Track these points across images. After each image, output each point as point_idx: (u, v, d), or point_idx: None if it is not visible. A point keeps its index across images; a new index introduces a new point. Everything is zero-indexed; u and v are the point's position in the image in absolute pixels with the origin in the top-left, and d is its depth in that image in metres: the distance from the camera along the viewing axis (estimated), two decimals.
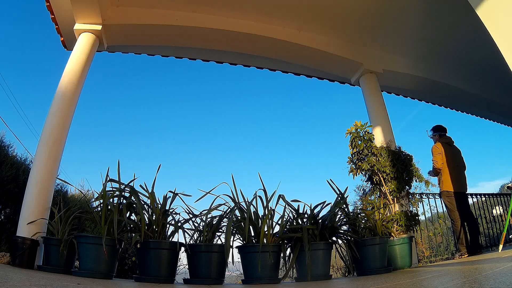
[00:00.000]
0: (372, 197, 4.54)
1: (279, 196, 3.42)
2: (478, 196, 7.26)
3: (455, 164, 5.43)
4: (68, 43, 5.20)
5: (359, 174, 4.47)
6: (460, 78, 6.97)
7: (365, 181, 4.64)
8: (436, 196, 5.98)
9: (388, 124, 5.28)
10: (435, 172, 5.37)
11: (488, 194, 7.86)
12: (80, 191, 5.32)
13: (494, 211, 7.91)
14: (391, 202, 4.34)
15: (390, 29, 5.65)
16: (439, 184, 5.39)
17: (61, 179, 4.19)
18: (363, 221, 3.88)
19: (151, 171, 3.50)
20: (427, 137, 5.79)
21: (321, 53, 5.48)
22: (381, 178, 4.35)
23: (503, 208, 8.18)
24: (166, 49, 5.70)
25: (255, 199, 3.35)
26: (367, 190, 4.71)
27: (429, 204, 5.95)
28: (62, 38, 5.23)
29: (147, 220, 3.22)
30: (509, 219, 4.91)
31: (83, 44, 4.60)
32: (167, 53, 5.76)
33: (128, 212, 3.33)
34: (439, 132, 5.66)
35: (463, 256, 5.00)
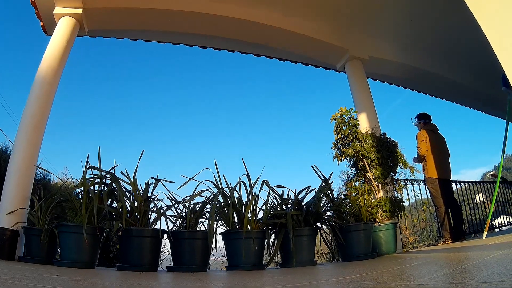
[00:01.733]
0: (357, 183, 4.52)
1: (263, 181, 3.36)
2: (461, 184, 7.33)
3: (440, 151, 5.46)
4: (48, 28, 5.02)
5: (343, 160, 4.43)
6: (446, 67, 6.98)
7: (350, 167, 4.61)
8: (421, 183, 6.02)
9: (373, 111, 5.25)
10: (419, 158, 5.40)
11: (471, 182, 7.97)
12: (60, 179, 5.19)
13: (476, 198, 8.03)
14: (376, 188, 4.33)
15: (378, 16, 5.58)
16: (423, 170, 5.42)
17: (41, 167, 4.06)
18: (347, 207, 3.86)
19: (136, 159, 3.42)
20: (412, 125, 5.80)
21: (306, 38, 5.40)
22: (366, 164, 4.33)
23: (485, 195, 8.31)
24: (148, 34, 5.54)
25: (238, 184, 3.30)
26: (351, 176, 4.69)
27: (414, 191, 5.99)
28: (42, 23, 5.05)
29: (128, 207, 3.15)
30: (493, 207, 4.95)
31: (63, 28, 4.48)
32: (150, 37, 5.61)
33: (110, 200, 3.25)
34: (423, 120, 5.67)
35: (447, 242, 5.05)
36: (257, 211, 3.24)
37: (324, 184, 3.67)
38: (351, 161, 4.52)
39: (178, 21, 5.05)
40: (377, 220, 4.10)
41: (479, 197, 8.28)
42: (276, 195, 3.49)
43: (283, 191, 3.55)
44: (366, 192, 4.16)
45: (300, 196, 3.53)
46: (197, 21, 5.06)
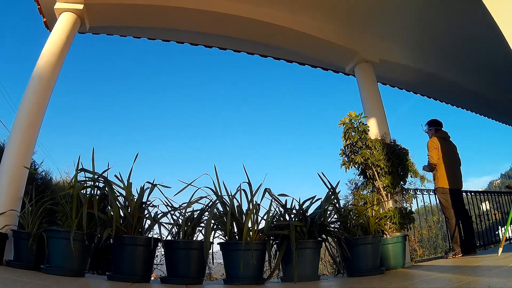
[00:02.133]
0: (365, 192, 4.28)
1: (265, 189, 3.09)
2: (470, 193, 7.00)
3: (451, 160, 5.18)
4: (50, 24, 4.87)
5: (351, 167, 4.17)
6: (457, 72, 6.69)
7: (358, 175, 4.35)
8: (431, 192, 5.72)
9: (383, 116, 4.98)
10: (430, 167, 5.11)
11: (479, 192, 7.62)
12: (46, 177, 4.99)
13: (482, 207, 7.69)
14: (385, 198, 4.07)
15: (388, 18, 5.33)
16: (434, 180, 5.14)
17: (29, 168, 3.77)
18: (354, 218, 3.59)
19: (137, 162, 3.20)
20: (420, 132, 5.50)
21: (315, 39, 5.14)
22: (375, 172, 4.07)
23: (490, 204, 7.97)
24: (152, 32, 5.33)
25: (239, 192, 3.03)
26: (359, 184, 4.44)
27: (424, 201, 5.69)
28: (44, 19, 4.90)
29: (122, 213, 2.92)
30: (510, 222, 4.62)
31: (63, 24, 4.35)
32: (154, 35, 5.40)
33: (102, 205, 3.03)
34: (435, 127, 5.38)
35: (457, 256, 4.77)
36: (259, 221, 2.99)
37: (330, 193, 3.41)
38: (359, 169, 4.25)
39: (183, 18, 4.83)
40: (385, 232, 3.84)
41: (485, 206, 7.96)
42: (279, 205, 3.23)
43: (286, 200, 3.27)
44: (375, 202, 3.89)
45: (304, 206, 3.26)
46: (202, 19, 4.84)
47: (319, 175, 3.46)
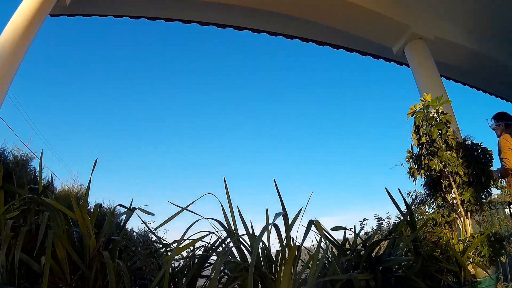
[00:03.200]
0: (431, 209, 2.94)
1: (310, 222, 1.69)
2: None
3: None
4: None
5: (422, 176, 2.80)
6: None
7: (423, 185, 2.98)
8: (505, 205, 4.30)
9: (449, 105, 3.58)
10: (504, 173, 3.73)
11: None
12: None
13: None
14: (465, 219, 2.72)
15: None
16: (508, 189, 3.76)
17: None
18: (438, 255, 2.25)
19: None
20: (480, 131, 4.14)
21: (357, 8, 3.77)
22: (452, 183, 2.71)
23: None
24: (153, 8, 4.09)
25: (268, 229, 1.63)
26: (419, 197, 3.10)
27: (499, 218, 4.27)
28: None
29: (78, 256, 1.68)
30: None
31: None
32: (154, 13, 4.15)
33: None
34: (505, 121, 4.01)
35: None
36: (297, 271, 1.68)
37: (407, 223, 2.06)
38: (429, 178, 2.88)
39: None
40: (467, 270, 2.51)
41: None
42: (330, 244, 1.89)
43: (346, 239, 1.93)
44: (457, 222, 2.55)
45: (368, 243, 1.93)
46: None
47: (387, 191, 2.13)
